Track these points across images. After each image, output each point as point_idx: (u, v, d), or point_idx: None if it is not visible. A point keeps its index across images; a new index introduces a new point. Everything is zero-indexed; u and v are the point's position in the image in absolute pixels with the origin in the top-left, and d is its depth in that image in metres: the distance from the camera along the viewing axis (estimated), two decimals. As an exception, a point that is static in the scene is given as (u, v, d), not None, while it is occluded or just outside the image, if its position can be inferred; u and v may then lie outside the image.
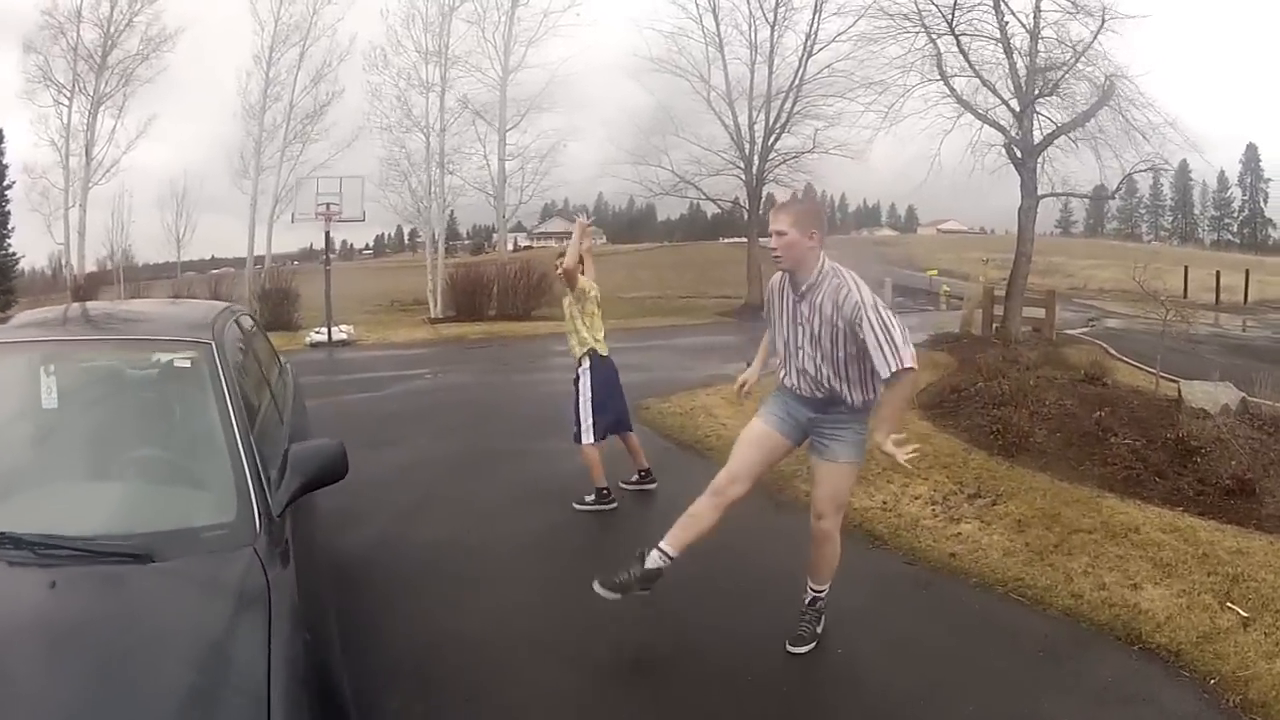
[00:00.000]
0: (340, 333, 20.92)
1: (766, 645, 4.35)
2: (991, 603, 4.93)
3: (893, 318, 3.77)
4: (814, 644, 4.30)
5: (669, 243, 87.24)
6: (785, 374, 4.17)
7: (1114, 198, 19.21)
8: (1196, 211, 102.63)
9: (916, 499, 6.54)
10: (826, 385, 3.99)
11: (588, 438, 6.45)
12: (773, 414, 4.21)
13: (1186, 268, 36.02)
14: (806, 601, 4.38)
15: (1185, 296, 33.40)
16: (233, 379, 3.09)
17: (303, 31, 30.11)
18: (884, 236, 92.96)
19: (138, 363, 3.38)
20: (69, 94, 28.77)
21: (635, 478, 6.98)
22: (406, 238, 29.31)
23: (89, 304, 5.27)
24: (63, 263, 29.20)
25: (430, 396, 12.50)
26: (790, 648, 4.26)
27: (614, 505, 6.52)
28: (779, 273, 4.11)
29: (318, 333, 20.93)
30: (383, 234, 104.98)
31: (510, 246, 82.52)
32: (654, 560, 4.20)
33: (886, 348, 3.70)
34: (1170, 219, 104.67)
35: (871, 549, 5.74)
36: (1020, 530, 5.78)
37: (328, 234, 22.50)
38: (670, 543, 4.21)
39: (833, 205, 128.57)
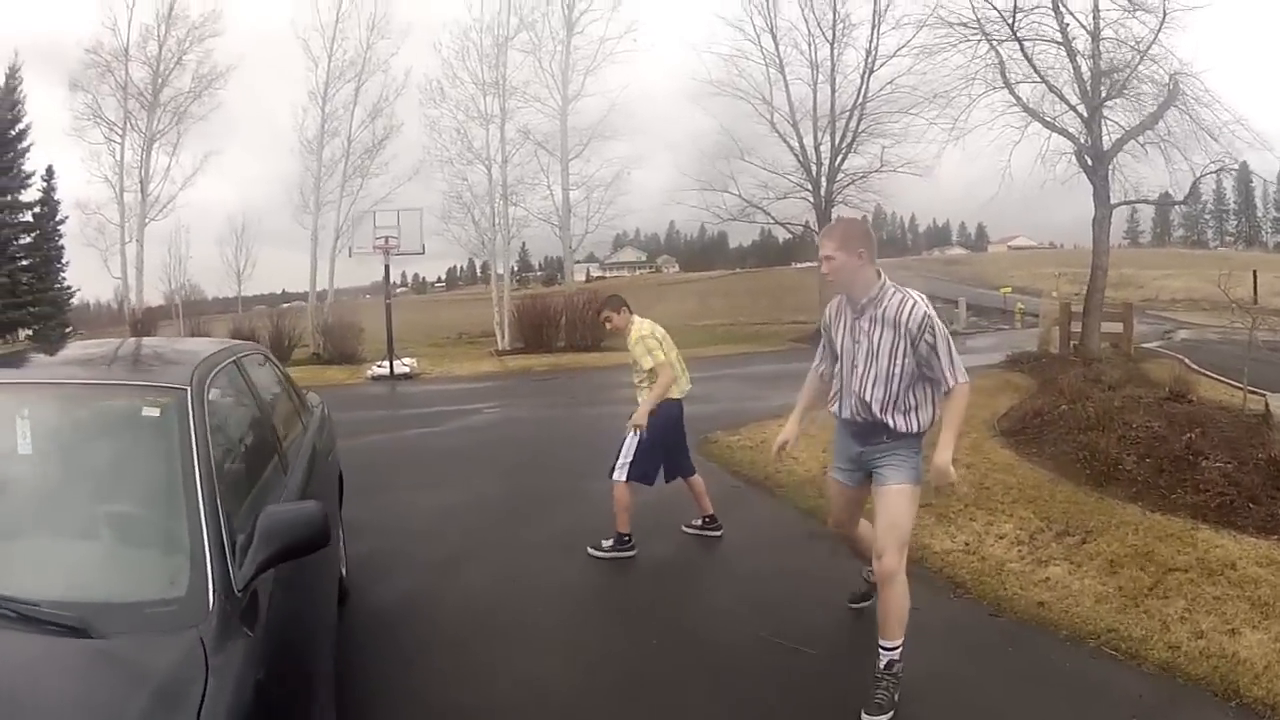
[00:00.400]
0: (402, 366, 20.74)
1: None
2: (1083, 659, 4.38)
3: (951, 342, 3.88)
4: (892, 713, 3.82)
5: (741, 269, 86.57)
6: (838, 403, 4.15)
7: (1185, 203, 18.25)
8: (1259, 214, 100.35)
9: (1001, 539, 5.99)
10: (875, 410, 3.96)
11: (619, 475, 6.00)
12: (837, 466, 4.30)
13: (1255, 272, 34.51)
14: (881, 665, 3.94)
15: (1255, 302, 32.09)
16: (203, 432, 2.68)
17: (357, 67, 30.17)
18: (955, 255, 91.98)
19: (101, 410, 3.00)
20: (120, 131, 28.97)
21: (699, 522, 6.49)
22: (479, 270, 29.25)
23: (81, 342, 4.91)
24: (121, 297, 29.52)
25: (488, 432, 12.17)
26: (866, 717, 3.81)
27: (633, 553, 6.05)
28: (836, 298, 4.15)
29: (379, 366, 20.82)
30: (455, 266, 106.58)
31: (582, 277, 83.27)
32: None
33: (951, 358, 3.82)
34: (1234, 223, 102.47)
35: (954, 599, 5.19)
36: (1113, 571, 5.27)
37: (387, 267, 22.42)
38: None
39: (902, 226, 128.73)
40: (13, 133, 24.63)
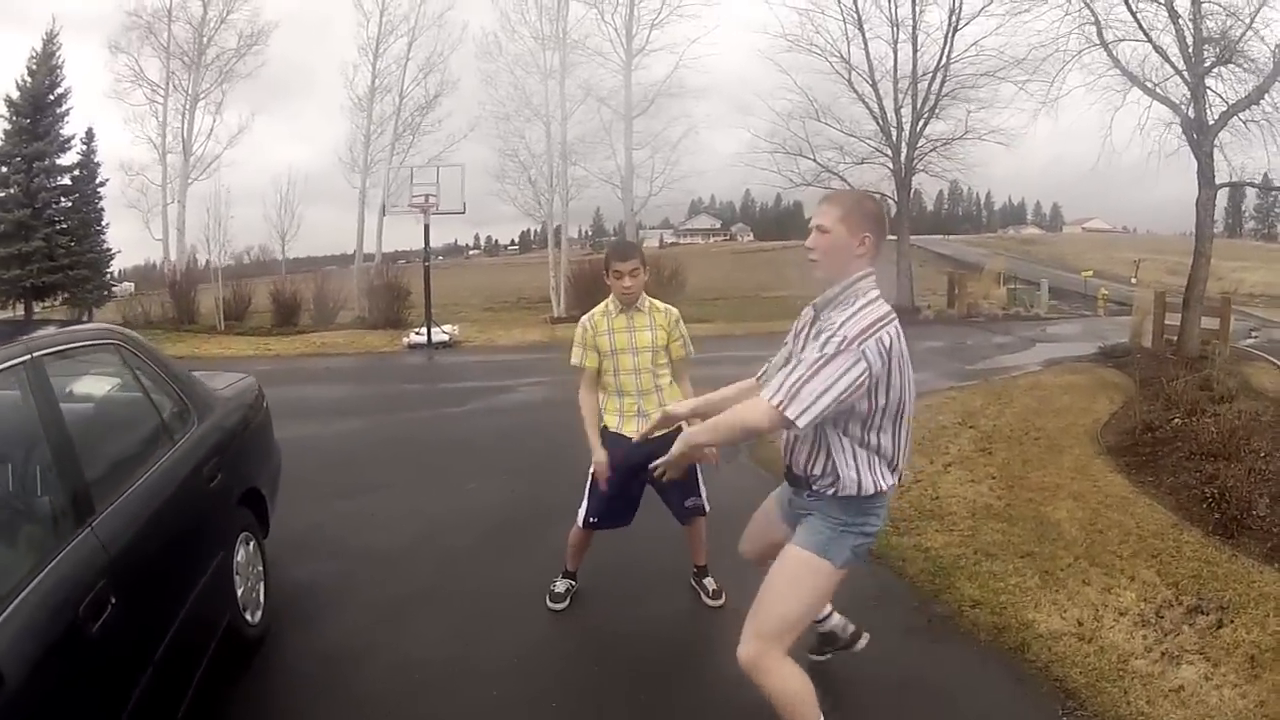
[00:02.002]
0: (441, 333, 19.71)
1: None
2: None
3: (834, 377, 2.70)
4: None
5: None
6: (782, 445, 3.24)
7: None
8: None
9: (1122, 616, 4.58)
10: (799, 448, 3.06)
11: (579, 516, 4.64)
12: (777, 492, 3.47)
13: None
14: None
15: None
16: None
17: (410, 22, 29.19)
18: (1030, 235, 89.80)
19: None
20: (163, 92, 28.81)
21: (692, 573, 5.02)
22: (552, 233, 28.31)
23: None
24: (162, 259, 29.18)
25: (510, 417, 10.73)
26: None
27: (560, 607, 4.72)
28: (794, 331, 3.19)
29: (417, 333, 19.81)
30: (529, 230, 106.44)
31: (655, 243, 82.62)
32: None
33: (791, 380, 2.71)
34: None
35: (1063, 718, 3.75)
36: (1254, 675, 3.95)
37: (426, 227, 21.20)
38: None
39: (978, 202, 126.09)
40: (50, 98, 24.15)
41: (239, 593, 4.00)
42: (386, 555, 5.55)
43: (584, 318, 4.57)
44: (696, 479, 4.59)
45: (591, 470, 4.44)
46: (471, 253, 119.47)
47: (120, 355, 3.67)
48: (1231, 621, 4.43)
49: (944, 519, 6.14)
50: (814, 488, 3.02)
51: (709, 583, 4.83)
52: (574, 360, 4.51)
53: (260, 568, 4.45)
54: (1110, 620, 4.51)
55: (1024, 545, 5.55)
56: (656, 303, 4.58)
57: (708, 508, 4.66)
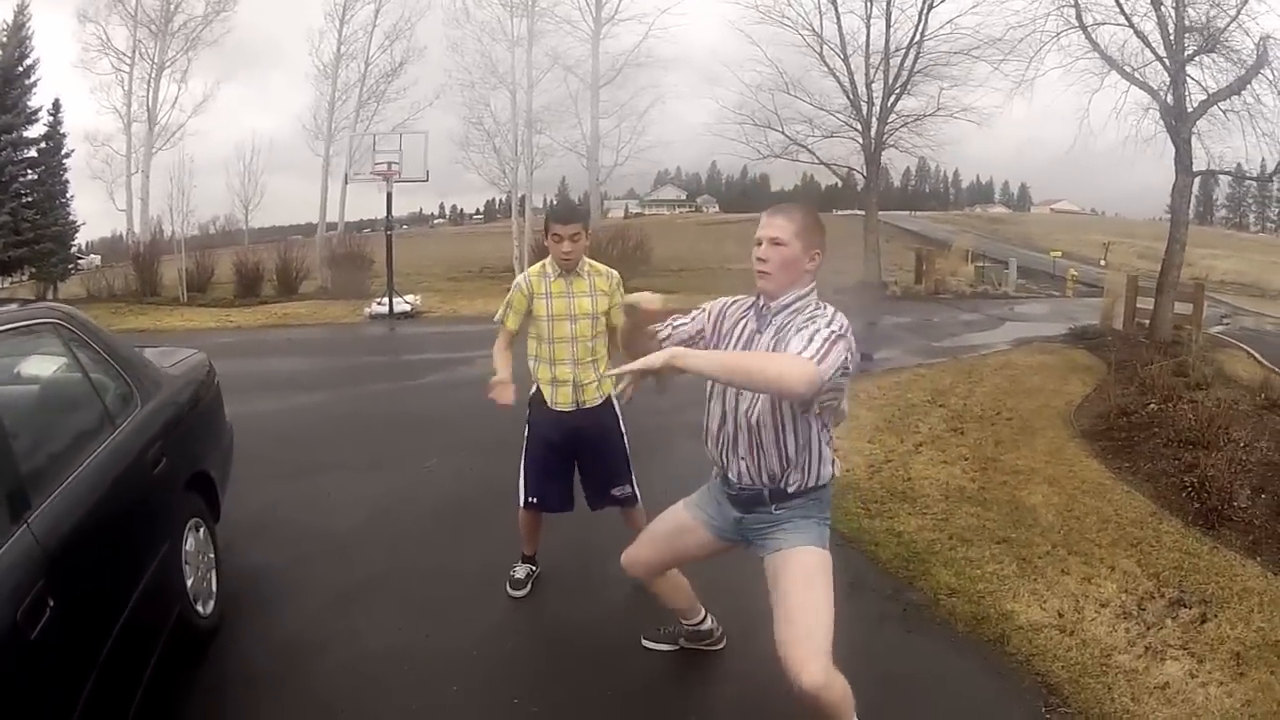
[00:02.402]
0: (403, 304, 19.32)
1: None
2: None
3: (842, 354, 2.64)
4: None
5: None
6: (712, 444, 3.08)
7: (1274, 179, 16.47)
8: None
9: (1104, 608, 4.47)
10: (760, 457, 2.93)
11: (520, 496, 4.45)
12: (700, 506, 3.26)
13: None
14: None
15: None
16: None
17: (379, -13, 28.62)
18: (997, 214, 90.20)
19: None
20: (130, 61, 28.31)
21: None
22: (516, 203, 28.10)
23: None
24: (126, 230, 28.70)
25: (470, 391, 10.31)
26: None
27: (521, 594, 4.52)
28: (735, 299, 3.13)
29: (379, 304, 19.39)
30: (494, 199, 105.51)
31: (621, 213, 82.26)
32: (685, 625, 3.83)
33: (818, 345, 2.59)
34: (1277, 210, 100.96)
35: (1045, 716, 3.61)
36: (1239, 673, 3.87)
37: (389, 195, 20.71)
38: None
39: (945, 180, 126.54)
40: (19, 69, 23.45)
41: (189, 583, 3.77)
42: (343, 538, 5.32)
43: (520, 276, 4.33)
44: (627, 463, 4.40)
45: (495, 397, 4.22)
46: (436, 222, 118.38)
47: (60, 335, 3.43)
48: (1215, 616, 4.36)
49: (916, 501, 6.04)
50: (789, 491, 2.94)
51: None
52: (497, 315, 4.31)
53: (212, 555, 4.21)
54: (1091, 612, 4.41)
55: (999, 530, 5.45)
56: (597, 265, 4.32)
57: (639, 499, 4.45)
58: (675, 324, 3.11)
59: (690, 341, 3.04)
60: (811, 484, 2.93)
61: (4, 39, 23.24)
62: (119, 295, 22.75)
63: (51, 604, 2.37)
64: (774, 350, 2.80)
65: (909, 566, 4.93)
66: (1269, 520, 5.51)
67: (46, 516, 2.57)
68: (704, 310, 3.11)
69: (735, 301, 3.09)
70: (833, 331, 2.64)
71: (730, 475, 3.00)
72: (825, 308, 2.81)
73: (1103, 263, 36.71)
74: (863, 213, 28.56)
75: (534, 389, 4.34)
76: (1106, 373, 10.86)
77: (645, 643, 3.93)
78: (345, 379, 11.41)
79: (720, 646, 3.89)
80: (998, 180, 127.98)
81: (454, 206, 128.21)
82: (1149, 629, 4.24)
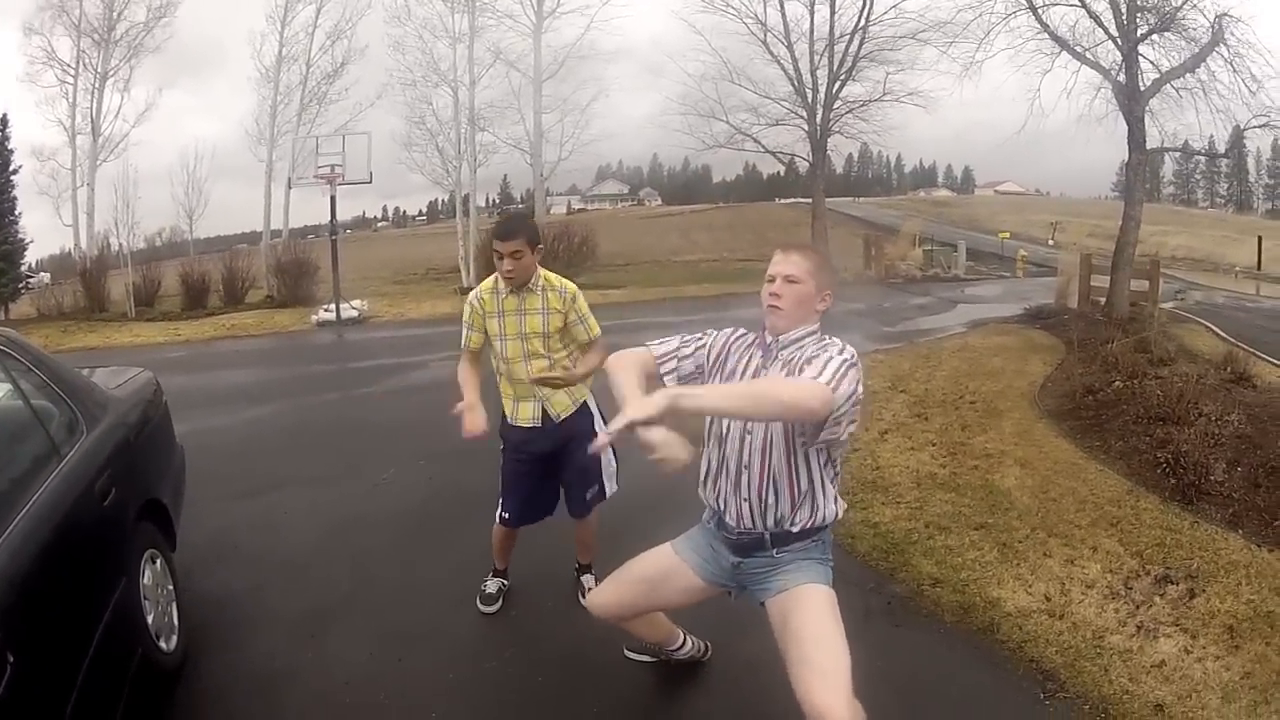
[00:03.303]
0: (350, 309, 19.04)
1: None
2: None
3: (855, 382, 2.61)
4: None
5: (724, 204, 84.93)
6: (710, 488, 2.99)
7: (1227, 155, 16.69)
8: (1251, 179, 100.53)
9: (1090, 589, 4.43)
10: (765, 498, 2.83)
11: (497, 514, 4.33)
12: (690, 548, 3.12)
13: (1260, 238, 33.33)
14: None
15: (1259, 269, 31.11)
16: None
17: (320, -13, 28.13)
18: (942, 197, 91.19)
19: None
20: (74, 72, 27.64)
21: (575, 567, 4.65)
22: (461, 203, 27.95)
23: None
24: (74, 245, 28.07)
25: (423, 396, 10.14)
26: None
27: (492, 610, 4.38)
28: (738, 331, 3.05)
29: (326, 310, 19.11)
30: (437, 200, 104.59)
31: (564, 209, 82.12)
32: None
33: (831, 371, 2.56)
34: (1226, 186, 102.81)
35: (1045, 701, 3.56)
36: (1234, 646, 3.87)
37: (333, 199, 20.34)
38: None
39: (888, 165, 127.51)
40: None
41: (150, 619, 3.55)
42: (304, 559, 5.12)
43: (473, 294, 4.12)
44: (600, 465, 4.23)
45: (500, 465, 4.16)
46: (380, 225, 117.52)
47: (1, 362, 3.23)
48: (1204, 591, 4.35)
49: (889, 490, 5.98)
50: (794, 532, 2.86)
51: (587, 580, 4.47)
52: (462, 342, 4.12)
53: (170, 587, 3.99)
54: (1078, 594, 4.38)
55: (976, 516, 5.40)
56: (551, 278, 4.09)
57: (609, 489, 4.30)
58: (680, 356, 3.01)
59: (691, 378, 2.98)
60: (817, 523, 2.87)
61: None
62: (68, 313, 22.18)
63: (12, 660, 2.21)
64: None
65: (889, 558, 4.86)
66: (1247, 493, 5.51)
67: None
68: (703, 345, 3.01)
69: (739, 336, 3.01)
70: (844, 360, 2.60)
71: (728, 519, 2.91)
72: (833, 339, 2.78)
73: (1051, 242, 37.23)
74: (808, 200, 28.61)
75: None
76: (1067, 352, 10.91)
77: (628, 653, 3.78)
78: (295, 389, 11.14)
79: (705, 656, 3.77)
80: (941, 164, 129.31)
81: (397, 209, 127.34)
82: (1138, 608, 4.22)
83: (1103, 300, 15.39)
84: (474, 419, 3.88)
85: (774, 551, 2.87)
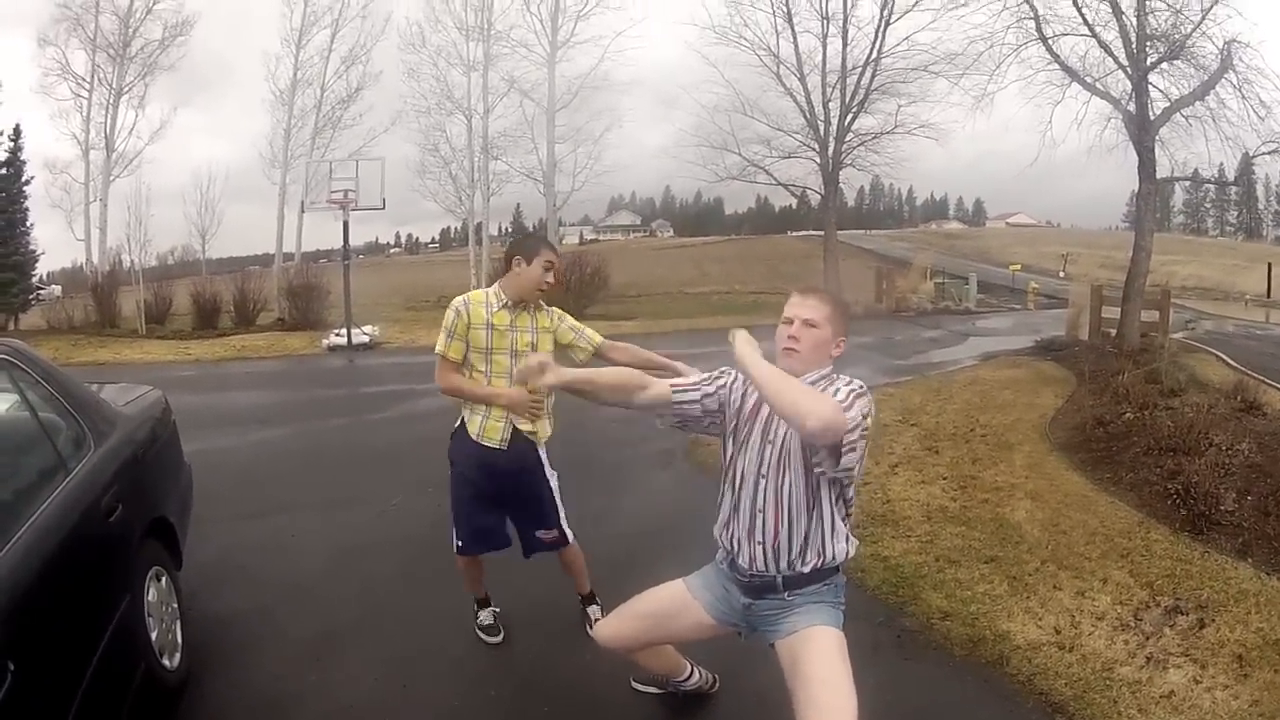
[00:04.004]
0: (361, 335, 19.03)
1: None
2: None
3: (865, 409, 2.69)
4: None
5: (736, 235, 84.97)
6: (724, 530, 3.00)
7: (1237, 184, 16.72)
8: (1260, 206, 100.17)
9: (1100, 621, 4.40)
10: (778, 540, 2.84)
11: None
12: (703, 587, 3.12)
13: (1270, 265, 33.15)
14: None
15: (1269, 296, 31.00)
16: None
17: (335, 12, 28.55)
18: (953, 229, 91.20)
19: None
20: (88, 86, 27.89)
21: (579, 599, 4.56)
22: (473, 230, 28.24)
23: None
24: (85, 260, 28.26)
25: (433, 423, 9.93)
26: None
27: (496, 640, 4.33)
28: (723, 387, 3.06)
29: (337, 334, 19.09)
30: (450, 227, 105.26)
31: (577, 240, 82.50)
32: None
33: (842, 396, 2.67)
34: (1235, 214, 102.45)
35: (1054, 734, 3.53)
36: (1244, 675, 3.85)
37: (346, 224, 20.37)
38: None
39: (899, 197, 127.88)
40: None
41: (154, 636, 3.54)
42: (310, 583, 5.09)
43: (459, 300, 4.01)
44: (556, 506, 4.16)
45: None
46: (392, 251, 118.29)
47: (10, 374, 3.25)
48: (1213, 621, 4.33)
49: (899, 524, 5.92)
50: (805, 573, 2.85)
51: (593, 611, 4.39)
52: (438, 347, 4.01)
53: (175, 605, 3.97)
54: (1088, 626, 4.34)
55: (986, 550, 5.36)
56: (542, 303, 4.11)
57: (570, 537, 4.22)
58: (702, 382, 3.06)
59: (705, 406, 3.01)
60: (828, 563, 2.86)
61: None
62: (78, 327, 22.25)
63: (12, 668, 2.22)
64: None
65: (898, 592, 4.81)
66: (1257, 522, 5.47)
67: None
68: (722, 382, 3.04)
69: (737, 381, 3.03)
70: (852, 390, 2.68)
71: (741, 561, 2.91)
72: (841, 376, 2.83)
73: (1062, 274, 37.18)
74: (819, 233, 28.65)
75: (458, 422, 4.12)
76: (1078, 383, 10.88)
77: (635, 685, 3.76)
78: (305, 413, 11.16)
79: (713, 688, 3.72)
80: (952, 196, 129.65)
81: (409, 235, 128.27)
82: (1148, 639, 4.19)
83: (1114, 331, 15.32)
84: (520, 394, 3.88)
85: (786, 594, 2.86)
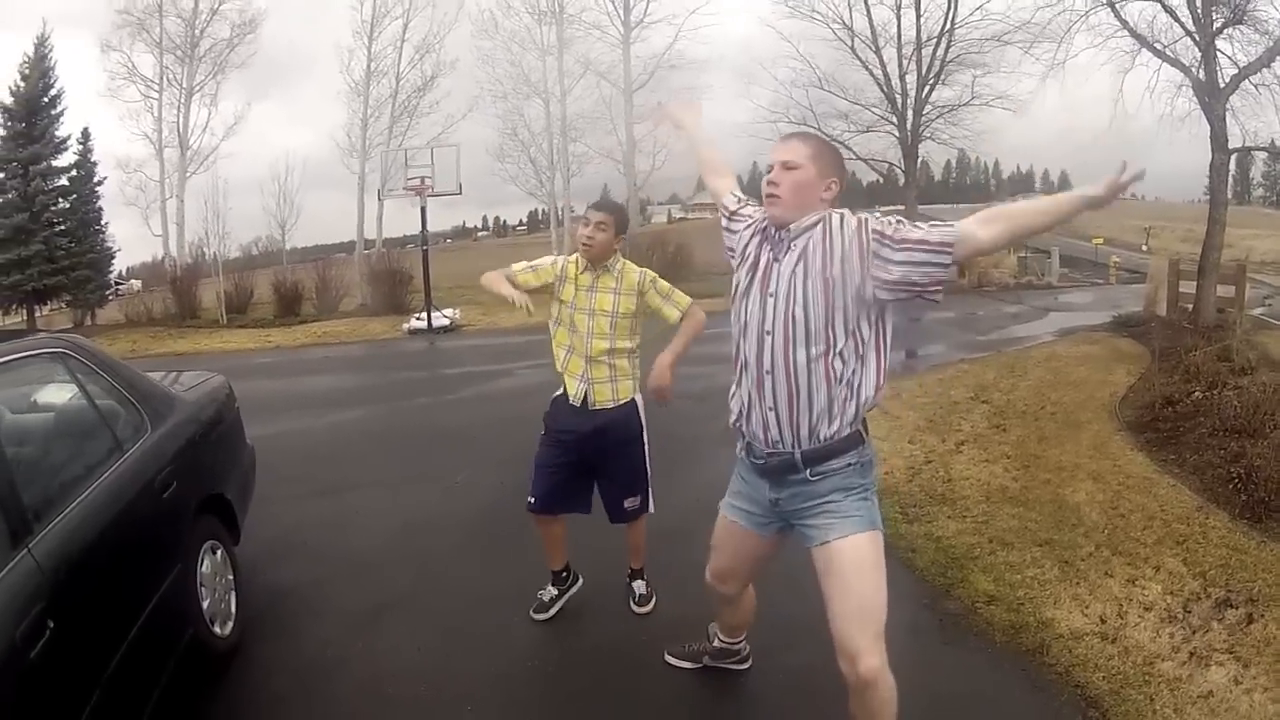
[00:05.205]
0: (442, 318, 19.37)
1: None
2: None
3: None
4: None
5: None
6: (737, 401, 2.85)
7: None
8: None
9: (1148, 612, 4.27)
10: (793, 401, 2.67)
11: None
12: (734, 505, 3.03)
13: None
14: None
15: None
16: None
17: (405, 3, 28.83)
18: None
19: None
20: (158, 88, 28.70)
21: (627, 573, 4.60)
22: (554, 212, 28.47)
23: None
24: (164, 254, 29.08)
25: (505, 404, 10.28)
26: None
27: (544, 618, 4.35)
28: (744, 226, 2.93)
29: (418, 318, 19.50)
30: (537, 209, 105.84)
31: (665, 219, 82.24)
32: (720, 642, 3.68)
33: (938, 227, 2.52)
34: None
35: (1084, 730, 3.49)
36: None
37: (423, 210, 20.72)
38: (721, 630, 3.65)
39: (986, 171, 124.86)
40: (45, 100, 23.82)
41: (205, 605, 3.78)
42: (368, 558, 5.25)
43: (560, 256, 4.24)
44: (645, 472, 4.24)
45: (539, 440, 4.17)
46: (480, 235, 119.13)
47: (66, 365, 3.47)
48: (1262, 616, 4.14)
49: (956, 504, 5.85)
50: (824, 439, 2.68)
51: (639, 586, 4.48)
52: (520, 266, 4.16)
53: (230, 577, 4.20)
54: (1135, 616, 4.21)
55: (1041, 532, 5.26)
56: (630, 266, 4.16)
57: (652, 508, 4.30)
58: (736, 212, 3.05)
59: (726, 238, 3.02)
60: (848, 428, 2.68)
61: (27, 71, 23.62)
62: (158, 319, 23.06)
63: (51, 625, 2.42)
64: (795, 273, 2.64)
65: (946, 573, 4.75)
66: (1318, 510, 5.24)
67: (47, 543, 2.63)
68: (740, 217, 3.01)
69: (745, 234, 2.90)
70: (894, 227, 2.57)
71: (755, 432, 2.77)
72: (836, 212, 2.68)
73: (1145, 248, 36.13)
74: (903, 208, 28.20)
75: (559, 391, 4.21)
76: (1151, 361, 10.61)
77: (669, 658, 3.81)
78: (381, 395, 11.43)
79: (745, 666, 3.75)
80: (1038, 169, 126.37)
81: (496, 218, 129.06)
82: (1194, 633, 4.04)
83: (1190, 307, 14.90)
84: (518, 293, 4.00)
85: (809, 473, 2.70)
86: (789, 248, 2.68)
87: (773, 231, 2.75)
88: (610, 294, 4.07)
